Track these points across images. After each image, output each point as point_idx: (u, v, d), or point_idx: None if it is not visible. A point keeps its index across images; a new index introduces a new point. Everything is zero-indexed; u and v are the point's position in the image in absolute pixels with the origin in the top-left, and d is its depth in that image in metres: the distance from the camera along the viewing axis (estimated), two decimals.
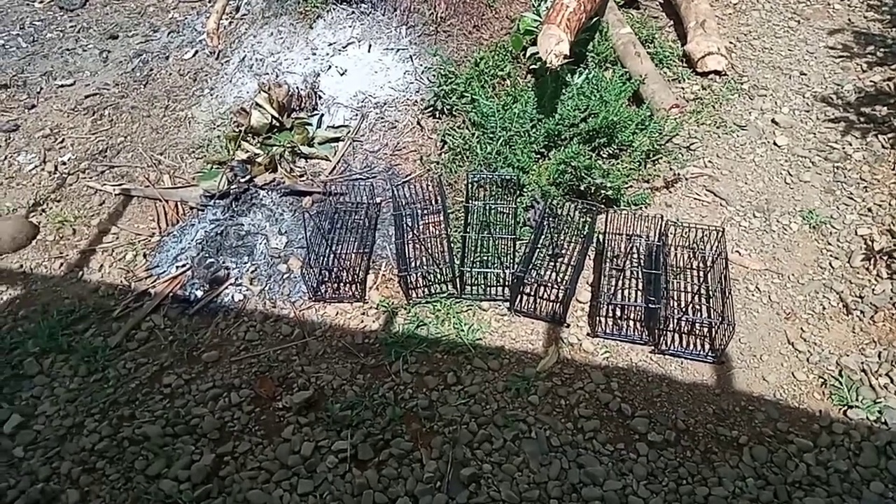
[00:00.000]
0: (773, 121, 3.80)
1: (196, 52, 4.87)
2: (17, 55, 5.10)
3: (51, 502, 2.36)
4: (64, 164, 4.04)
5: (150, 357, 2.88)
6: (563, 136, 3.54)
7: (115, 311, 3.11)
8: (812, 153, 3.60)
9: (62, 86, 4.72)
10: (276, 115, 3.81)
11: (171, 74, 4.68)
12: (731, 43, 4.35)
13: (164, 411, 2.65)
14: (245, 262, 3.29)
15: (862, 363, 2.68)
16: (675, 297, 2.97)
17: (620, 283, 3.07)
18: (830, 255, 3.11)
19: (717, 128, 3.80)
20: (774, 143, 3.68)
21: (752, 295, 3.01)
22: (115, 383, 2.77)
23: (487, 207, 3.36)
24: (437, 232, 3.36)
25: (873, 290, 2.91)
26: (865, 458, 2.41)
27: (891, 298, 2.85)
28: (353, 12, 4.20)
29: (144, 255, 3.40)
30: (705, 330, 2.87)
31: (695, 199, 3.46)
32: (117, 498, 2.36)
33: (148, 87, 4.61)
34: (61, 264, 3.37)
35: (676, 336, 2.86)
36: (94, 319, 3.06)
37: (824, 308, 2.92)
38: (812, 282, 3.03)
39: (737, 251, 3.19)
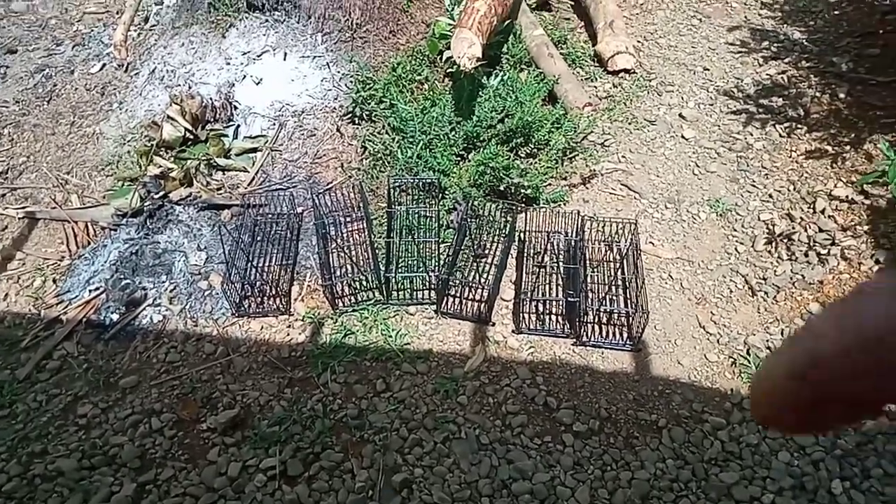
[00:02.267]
0: (680, 115, 3.97)
1: (103, 65, 4.68)
2: None
3: None
4: None
5: (62, 387, 2.75)
6: (481, 138, 3.59)
7: (23, 341, 2.95)
8: (717, 144, 3.78)
9: None
10: (190, 127, 3.71)
11: (76, 89, 4.48)
12: (638, 42, 4.52)
13: (80, 443, 2.53)
14: (163, 282, 3.19)
15: (767, 341, 2.85)
16: (594, 290, 3.07)
17: (541, 279, 3.14)
18: (736, 241, 3.28)
19: (629, 124, 3.94)
20: (682, 137, 3.85)
21: (666, 283, 3.14)
22: (24, 418, 2.63)
23: (410, 212, 3.37)
24: (361, 239, 3.35)
25: (775, 271, 3.09)
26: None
27: (790, 279, 3.03)
28: (266, 20, 4.13)
29: (54, 281, 3.25)
30: (623, 319, 2.98)
31: (610, 193, 3.58)
32: None
33: (52, 103, 4.40)
34: None
35: (596, 327, 2.95)
36: (0, 352, 2.90)
37: (731, 291, 3.08)
38: (720, 267, 3.19)
39: (650, 241, 3.32)
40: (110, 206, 3.51)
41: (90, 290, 3.16)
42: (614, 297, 3.05)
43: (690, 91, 4.12)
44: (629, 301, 3.02)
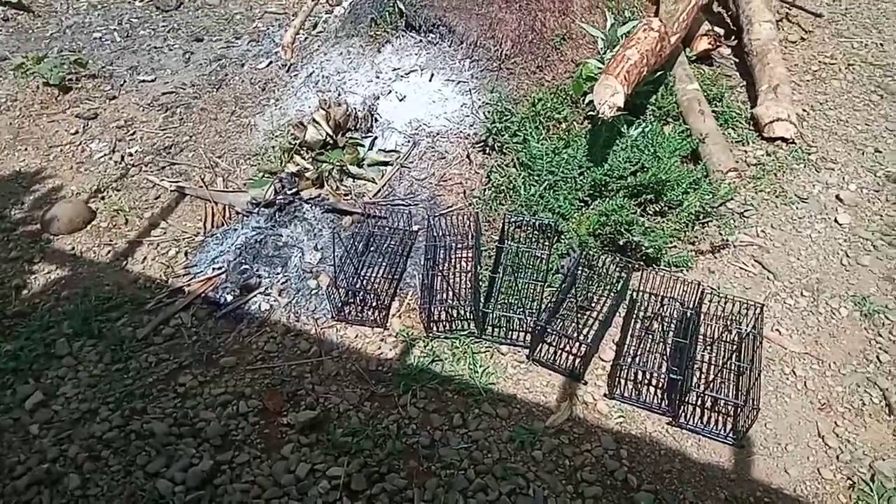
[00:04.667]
0: (837, 197, 3.61)
1: (270, 62, 5.06)
2: (110, 48, 5.44)
3: (53, 484, 2.44)
4: (131, 155, 4.25)
5: (171, 354, 2.97)
6: (609, 187, 3.47)
7: (148, 303, 3.22)
8: (875, 236, 3.39)
9: (143, 81, 4.99)
10: (331, 132, 3.89)
11: (242, 81, 4.88)
12: (803, 110, 4.18)
13: (175, 410, 2.71)
14: (278, 273, 3.36)
15: None
16: (702, 370, 2.84)
17: (646, 346, 2.96)
18: (879, 348, 2.91)
19: (776, 197, 3.64)
20: (835, 221, 3.49)
21: (787, 378, 2.84)
22: (134, 375, 2.86)
23: (521, 251, 3.32)
24: (467, 268, 3.34)
25: None
26: None
27: None
28: (420, 41, 4.27)
29: (186, 253, 3.53)
30: (730, 409, 2.73)
31: (740, 268, 3.32)
32: (114, 490, 2.43)
33: (220, 91, 4.82)
34: (109, 251, 3.54)
35: (697, 411, 2.72)
36: (128, 309, 3.18)
37: (864, 404, 2.73)
38: (855, 373, 2.83)
39: (777, 329, 3.02)
40: (248, 194, 3.77)
41: (213, 269, 3.39)
42: (724, 383, 2.80)
43: (854, 172, 3.74)
44: (740, 390, 2.76)
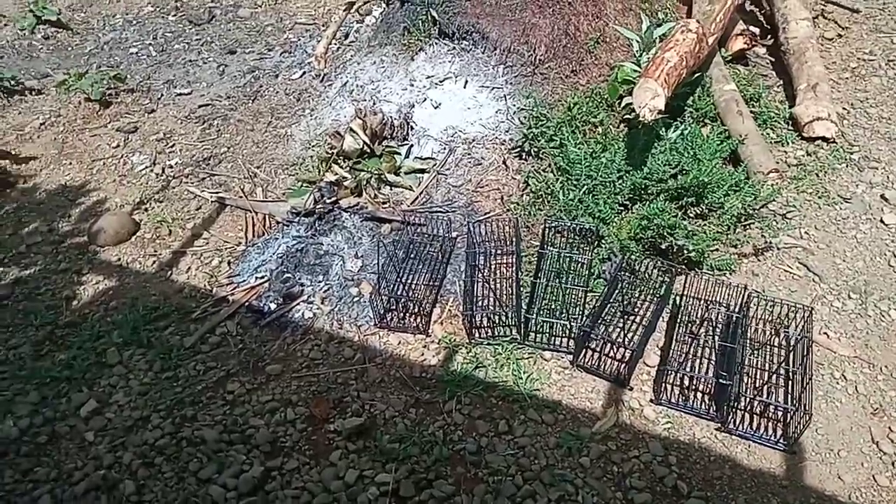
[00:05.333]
0: (882, 196, 3.54)
1: (303, 73, 5.13)
2: (146, 63, 5.56)
3: (110, 490, 2.50)
4: (171, 167, 4.34)
5: (219, 362, 3.02)
6: (649, 191, 3.44)
7: (194, 312, 3.28)
8: None
9: (180, 94, 5.09)
10: (368, 141, 3.93)
11: (277, 92, 4.95)
12: (844, 109, 4.11)
13: (224, 417, 2.76)
14: (319, 281, 3.40)
15: None
16: (751, 375, 2.80)
17: (693, 351, 2.93)
18: None
19: (819, 198, 3.58)
20: (881, 221, 3.42)
21: (837, 383, 2.79)
22: (183, 383, 2.91)
23: (562, 256, 3.31)
24: (508, 274, 3.35)
25: None
26: None
27: None
28: (453, 48, 4.29)
29: (229, 263, 3.59)
30: (779, 414, 2.69)
31: (785, 270, 3.27)
32: (168, 496, 2.47)
33: (255, 102, 4.90)
34: (154, 262, 3.61)
35: (747, 416, 2.69)
36: (175, 318, 3.25)
37: None
38: None
39: (825, 333, 2.97)
40: (287, 204, 3.82)
41: (256, 278, 3.44)
42: (774, 388, 2.76)
43: None
44: (790, 395, 2.72)
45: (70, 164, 4.40)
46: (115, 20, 6.29)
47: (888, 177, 3.65)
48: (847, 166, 3.75)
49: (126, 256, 3.65)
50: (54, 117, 4.78)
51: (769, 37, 4.62)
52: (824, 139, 3.87)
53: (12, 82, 5.08)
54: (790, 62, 4.25)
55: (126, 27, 6.16)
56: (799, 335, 2.83)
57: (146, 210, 3.97)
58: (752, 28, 4.48)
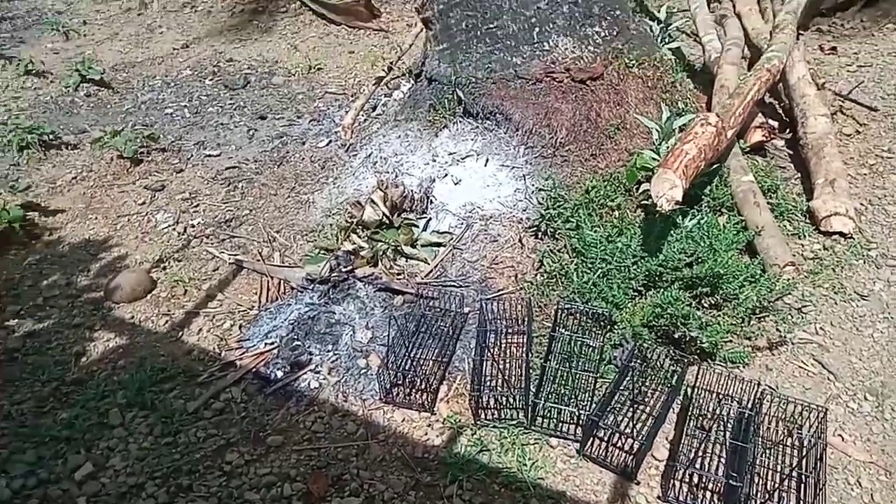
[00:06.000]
0: None
1: (329, 141, 5.29)
2: (180, 123, 5.78)
3: None
4: (193, 227, 4.44)
5: (220, 429, 2.99)
6: (663, 278, 3.43)
7: (201, 375, 3.27)
8: None
9: (209, 155, 5.26)
10: (388, 213, 3.99)
11: (303, 159, 5.09)
12: (861, 205, 4.11)
13: (220, 489, 2.70)
14: (328, 351, 3.39)
15: None
16: (762, 476, 2.70)
17: (703, 446, 2.84)
18: None
19: (835, 293, 3.54)
20: None
21: (852, 489, 2.68)
22: (182, 450, 2.88)
23: (574, 339, 3.28)
24: (518, 354, 3.31)
25: None
26: None
27: None
28: (477, 127, 4.40)
29: (240, 326, 3.60)
30: None
31: (799, 367, 3.20)
32: None
33: (281, 167, 5.04)
34: (166, 321, 3.64)
35: None
36: (181, 381, 3.24)
37: None
38: None
39: (839, 434, 2.88)
40: (303, 270, 3.86)
41: (266, 343, 3.45)
42: (786, 492, 2.66)
43: None
44: (802, 501, 2.61)
45: (96, 218, 4.52)
46: (155, 81, 6.59)
47: None
48: (864, 263, 3.72)
49: (140, 314, 3.69)
50: (86, 172, 4.95)
51: (787, 130, 4.69)
52: (842, 234, 3.86)
53: (51, 137, 5.30)
54: (808, 156, 4.29)
55: (164, 89, 6.44)
56: (813, 437, 2.73)
57: (164, 268, 4.04)
58: (770, 121, 4.57)
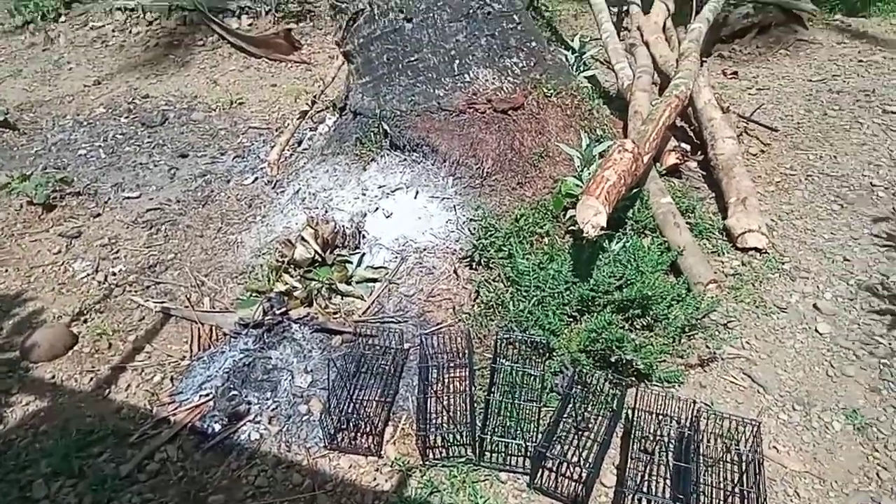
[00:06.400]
0: (814, 306, 3.73)
1: (256, 178, 5.18)
2: (95, 165, 5.52)
3: None
4: (114, 274, 4.22)
5: (156, 493, 2.83)
6: (596, 302, 3.54)
7: (132, 435, 3.10)
8: (856, 345, 3.49)
9: (128, 197, 5.04)
10: (320, 250, 3.94)
11: (228, 198, 4.96)
12: (772, 220, 4.39)
13: None
14: (267, 399, 3.29)
15: None
16: (707, 494, 2.80)
17: (648, 470, 2.92)
18: (878, 464, 2.92)
19: (757, 307, 3.75)
20: (816, 331, 3.59)
21: (791, 500, 2.81)
22: None
23: (515, 369, 3.32)
24: (461, 388, 3.32)
25: None
26: None
27: None
28: (405, 159, 4.42)
29: (171, 379, 3.44)
30: None
31: (731, 381, 3.36)
32: None
33: (206, 207, 4.88)
34: (91, 379, 3.43)
35: None
36: (111, 443, 3.05)
37: None
38: (857, 493, 2.82)
39: (774, 446, 3.03)
40: (235, 314, 3.74)
41: (200, 395, 3.30)
42: None
43: (828, 281, 3.89)
44: None
45: (6, 271, 4.23)
46: (66, 121, 6.28)
47: (818, 286, 3.87)
48: (780, 276, 3.96)
49: (61, 373, 3.46)
50: None
51: (699, 152, 4.96)
52: (757, 250, 4.10)
53: None
54: (720, 177, 4.55)
55: (76, 128, 6.15)
56: (750, 451, 2.86)
57: (86, 321, 3.82)
58: (683, 144, 4.81)
